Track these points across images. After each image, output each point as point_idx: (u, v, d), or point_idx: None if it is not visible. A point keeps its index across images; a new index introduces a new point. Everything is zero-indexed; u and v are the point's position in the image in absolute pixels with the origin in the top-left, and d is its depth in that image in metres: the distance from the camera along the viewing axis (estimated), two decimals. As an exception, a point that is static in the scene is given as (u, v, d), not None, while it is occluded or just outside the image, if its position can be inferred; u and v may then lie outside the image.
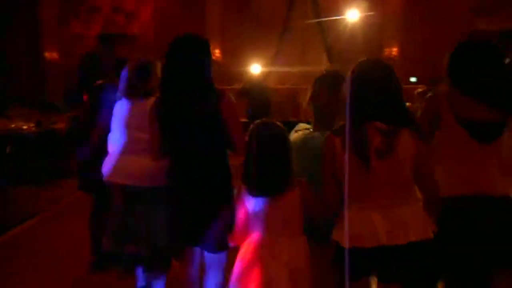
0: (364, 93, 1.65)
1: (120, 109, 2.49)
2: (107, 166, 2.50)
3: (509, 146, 1.82)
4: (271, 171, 1.81)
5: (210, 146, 2.00)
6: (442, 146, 1.88)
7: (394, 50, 9.72)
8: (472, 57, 1.86)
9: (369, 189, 1.64)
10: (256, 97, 2.60)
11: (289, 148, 1.88)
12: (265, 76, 8.42)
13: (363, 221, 1.62)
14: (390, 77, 1.69)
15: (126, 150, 2.44)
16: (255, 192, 1.85)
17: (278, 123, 1.92)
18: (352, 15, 8.65)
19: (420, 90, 5.22)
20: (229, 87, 8.97)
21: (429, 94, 2.00)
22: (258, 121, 1.94)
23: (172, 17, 9.70)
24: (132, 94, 2.45)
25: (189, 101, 1.95)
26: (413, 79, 8.27)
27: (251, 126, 1.93)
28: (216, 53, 9.30)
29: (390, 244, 1.57)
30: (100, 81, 3.05)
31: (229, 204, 1.97)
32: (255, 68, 8.00)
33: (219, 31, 10.04)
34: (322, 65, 8.83)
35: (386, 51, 9.75)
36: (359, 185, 1.63)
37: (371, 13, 8.48)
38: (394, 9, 9.64)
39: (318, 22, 9.17)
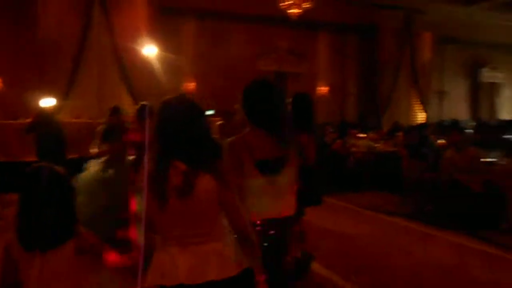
0: (167, 131, 1.63)
1: None
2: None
3: (289, 173, 2.16)
4: (45, 222, 1.67)
5: None
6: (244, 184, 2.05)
7: (192, 85, 10.37)
8: (260, 92, 2.14)
9: (171, 227, 1.62)
10: (45, 132, 2.37)
11: (68, 196, 1.76)
12: (58, 109, 7.73)
13: (165, 259, 1.61)
14: (195, 116, 1.68)
15: None
16: (26, 245, 1.68)
17: (59, 167, 1.77)
18: (149, 51, 8.88)
19: (219, 122, 5.67)
20: (13, 121, 7.92)
21: (230, 139, 2.12)
22: (34, 165, 1.77)
23: None
24: None
25: None
26: (210, 112, 8.95)
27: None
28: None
29: (189, 282, 1.57)
30: None
31: None
32: (46, 101, 7.25)
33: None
34: (121, 98, 8.69)
35: (185, 86, 10.33)
36: (161, 223, 1.63)
37: (168, 52, 8.92)
38: (192, 47, 10.35)
39: (116, 55, 9.04)
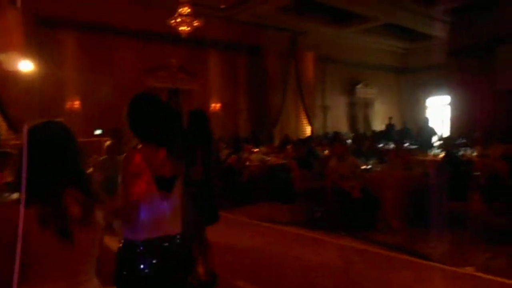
0: (45, 159, 1.45)
1: None
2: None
3: (179, 189, 2.19)
4: None
5: None
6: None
7: (76, 103, 9.70)
8: (145, 106, 2.13)
9: (67, 263, 1.46)
10: None
11: None
12: None
13: None
14: (67, 142, 1.54)
15: None
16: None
17: None
18: (25, 66, 8.09)
19: (108, 142, 5.34)
20: None
21: (128, 153, 2.07)
22: None
23: None
24: None
25: None
26: (98, 131, 8.46)
27: None
28: None
29: None
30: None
31: None
32: None
33: None
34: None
35: (68, 105, 9.61)
36: (57, 258, 1.43)
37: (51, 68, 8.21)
38: (75, 62, 9.66)
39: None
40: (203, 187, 3.50)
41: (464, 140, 10.04)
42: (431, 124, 13.01)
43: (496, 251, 4.72)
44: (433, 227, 5.65)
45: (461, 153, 7.88)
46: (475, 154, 7.68)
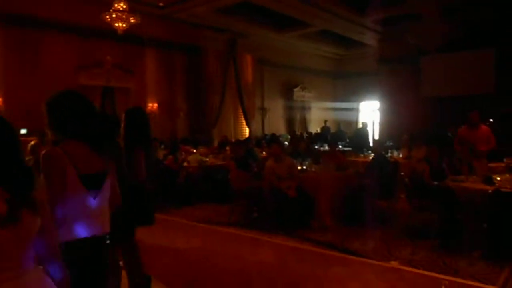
0: None
1: None
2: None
3: (107, 188, 2.12)
4: None
5: None
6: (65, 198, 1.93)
7: (-2, 101, 8.99)
8: (63, 103, 2.06)
9: None
10: None
11: None
12: None
13: None
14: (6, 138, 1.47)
15: None
16: None
17: None
18: None
19: (33, 142, 5.04)
20: None
21: (49, 150, 1.98)
22: None
23: None
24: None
25: None
26: (23, 131, 7.91)
27: None
28: None
29: None
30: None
31: None
32: None
33: None
34: None
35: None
36: None
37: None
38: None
39: None
40: (140, 188, 3.41)
41: (392, 143, 10.72)
42: (372, 127, 13.80)
43: (417, 246, 5.09)
44: (364, 224, 5.98)
45: (389, 155, 8.40)
46: (401, 156, 8.23)
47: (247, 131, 13.72)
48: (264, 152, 8.94)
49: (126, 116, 3.60)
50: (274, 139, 9.03)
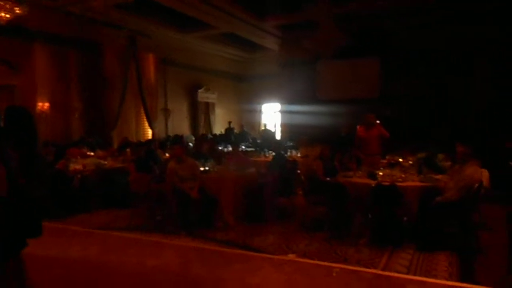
0: None
1: None
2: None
3: None
4: None
5: None
6: None
7: None
8: None
9: None
10: None
11: None
12: None
13: None
14: None
15: None
16: None
17: None
18: None
19: None
20: None
21: None
22: None
23: None
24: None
25: None
26: None
27: None
28: None
29: None
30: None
31: None
32: None
33: None
34: None
35: None
36: None
37: None
38: None
39: None
40: (20, 196, 3.12)
41: (292, 143, 11.30)
42: (273, 128, 14.39)
43: (312, 238, 5.45)
44: (265, 221, 6.23)
45: (288, 154, 8.84)
46: (299, 155, 8.72)
47: (150, 133, 13.32)
48: (167, 154, 8.78)
49: (5, 115, 3.28)
50: (176, 140, 8.92)
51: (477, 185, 4.77)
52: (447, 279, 4.12)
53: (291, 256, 4.82)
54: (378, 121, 7.67)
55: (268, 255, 4.89)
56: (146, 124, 13.34)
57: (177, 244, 5.40)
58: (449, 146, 5.83)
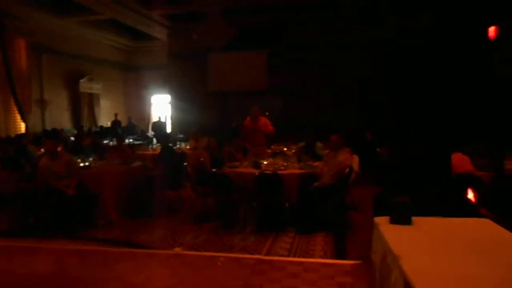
0: None
1: None
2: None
3: None
4: None
5: None
6: None
7: None
8: None
9: None
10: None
11: None
12: None
13: None
14: None
15: None
16: None
17: None
18: None
19: None
20: None
21: None
22: None
23: None
24: None
25: None
26: None
27: None
28: None
29: None
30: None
31: None
32: None
33: None
34: None
35: None
36: None
37: None
38: None
39: None
40: None
41: (182, 135, 11.15)
42: (166, 121, 14.01)
43: (200, 230, 5.46)
44: (153, 216, 6.06)
45: (177, 146, 8.71)
46: (188, 147, 8.64)
47: (22, 127, 11.95)
48: (42, 150, 7.96)
49: None
50: (50, 134, 8.16)
51: (348, 170, 5.24)
52: (322, 257, 4.47)
53: (177, 250, 4.76)
54: (267, 114, 7.93)
55: (154, 250, 4.76)
56: (18, 117, 11.95)
57: (53, 248, 4.94)
58: (326, 135, 6.28)
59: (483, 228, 2.78)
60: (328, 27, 12.29)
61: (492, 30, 9.59)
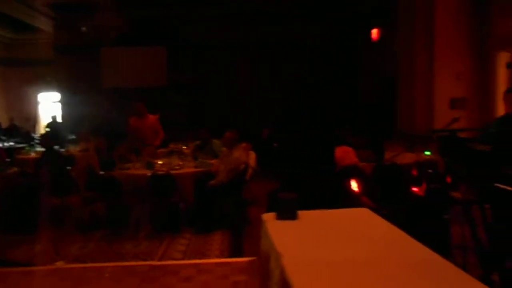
0: None
1: None
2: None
3: None
4: None
5: None
6: None
7: None
8: None
9: None
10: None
11: None
12: None
13: None
14: None
15: None
16: None
17: None
18: None
19: None
20: None
21: None
22: None
23: None
24: None
25: None
26: None
27: None
28: None
29: None
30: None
31: None
32: None
33: None
34: None
35: None
36: None
37: None
38: None
39: None
40: None
41: (74, 136, 10.26)
42: (58, 120, 12.74)
43: (87, 240, 5.01)
44: (33, 228, 5.39)
45: (65, 148, 7.95)
46: (78, 149, 7.92)
47: None
48: None
49: None
50: None
51: (243, 166, 5.22)
52: (218, 257, 4.38)
53: (59, 264, 4.28)
54: (157, 115, 7.38)
55: (30, 268, 4.23)
56: None
57: None
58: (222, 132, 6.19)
59: (361, 216, 2.91)
60: (226, 26, 12.28)
61: (375, 32, 10.40)
